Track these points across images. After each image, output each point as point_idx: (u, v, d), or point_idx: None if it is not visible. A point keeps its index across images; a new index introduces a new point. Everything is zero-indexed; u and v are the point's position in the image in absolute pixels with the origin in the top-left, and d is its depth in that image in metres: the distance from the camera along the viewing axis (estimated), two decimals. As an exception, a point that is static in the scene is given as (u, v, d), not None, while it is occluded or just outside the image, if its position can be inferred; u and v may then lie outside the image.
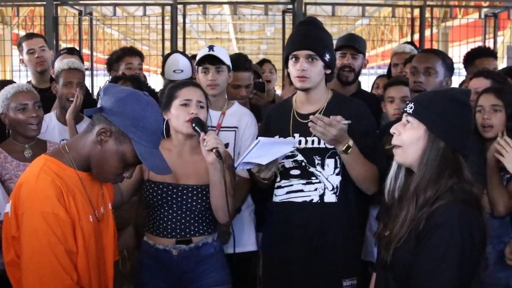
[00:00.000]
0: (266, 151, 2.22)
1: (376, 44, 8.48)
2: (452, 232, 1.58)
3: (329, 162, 2.40)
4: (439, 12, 7.45)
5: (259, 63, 4.47)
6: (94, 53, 6.44)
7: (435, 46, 6.52)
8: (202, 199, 2.34)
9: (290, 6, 5.51)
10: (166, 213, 2.35)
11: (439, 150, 1.68)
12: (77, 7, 5.99)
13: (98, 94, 1.85)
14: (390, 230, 1.74)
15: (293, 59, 2.40)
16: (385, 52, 7.46)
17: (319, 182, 2.40)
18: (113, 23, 7.35)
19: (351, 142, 2.28)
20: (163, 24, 5.88)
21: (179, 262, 2.33)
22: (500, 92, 2.59)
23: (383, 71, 5.15)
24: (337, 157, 2.39)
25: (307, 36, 2.41)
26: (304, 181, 2.41)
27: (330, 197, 2.40)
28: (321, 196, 2.40)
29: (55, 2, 5.42)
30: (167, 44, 5.77)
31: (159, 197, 2.34)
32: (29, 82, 3.74)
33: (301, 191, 2.42)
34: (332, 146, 2.37)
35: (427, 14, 5.98)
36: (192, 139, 2.38)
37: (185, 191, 2.34)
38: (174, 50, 4.89)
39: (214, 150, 2.17)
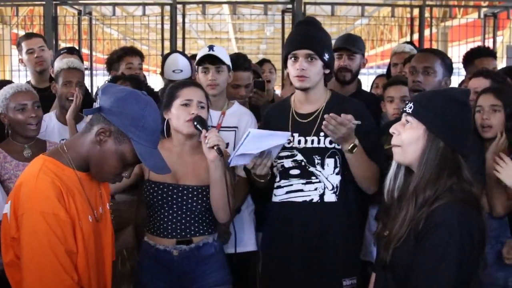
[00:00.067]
0: (258, 143, 2.21)
1: (376, 44, 8.48)
2: (451, 232, 1.59)
3: (329, 162, 2.40)
4: (439, 12, 7.45)
5: (259, 63, 4.47)
6: (94, 53, 6.44)
7: (434, 46, 6.52)
8: (203, 200, 2.34)
9: (289, 6, 5.51)
10: (166, 214, 2.35)
11: (438, 150, 1.69)
12: (76, 6, 5.99)
13: (97, 94, 1.84)
14: (389, 230, 1.74)
15: (292, 58, 2.40)
16: (385, 52, 7.46)
17: (319, 181, 2.40)
18: (113, 23, 7.33)
19: (357, 141, 2.30)
20: (162, 24, 5.88)
21: (179, 262, 2.33)
22: (499, 92, 2.59)
23: (383, 70, 5.15)
24: (336, 157, 2.40)
25: (306, 35, 2.41)
26: (304, 181, 2.41)
27: (330, 197, 2.40)
28: (321, 196, 2.40)
29: (54, 2, 5.42)
30: (167, 43, 5.77)
31: (159, 197, 2.34)
32: (28, 82, 3.74)
33: (301, 190, 2.42)
34: (332, 146, 2.38)
35: (427, 14, 5.98)
36: (192, 140, 2.38)
37: (185, 192, 2.34)
38: (173, 50, 4.89)
39: (215, 148, 2.17)
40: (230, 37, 12.99)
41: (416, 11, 6.03)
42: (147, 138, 1.75)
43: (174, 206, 2.34)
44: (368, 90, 4.20)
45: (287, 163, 2.44)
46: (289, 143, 2.43)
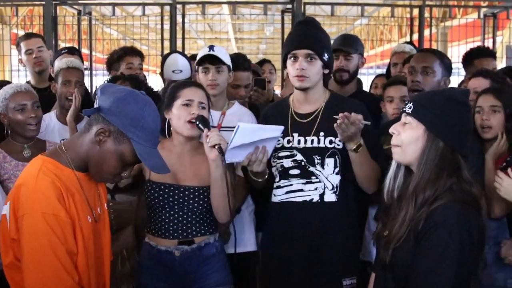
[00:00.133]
0: (249, 136, 2.20)
1: (375, 44, 8.47)
2: (451, 232, 1.59)
3: (329, 162, 2.40)
4: (438, 12, 7.45)
5: (259, 63, 4.47)
6: (93, 53, 6.44)
7: (434, 46, 6.52)
8: (204, 201, 2.34)
9: (289, 6, 5.52)
10: (167, 214, 2.35)
11: (438, 150, 1.69)
12: (76, 6, 5.99)
13: (95, 94, 1.84)
14: (389, 230, 1.74)
15: (292, 58, 2.40)
16: (384, 52, 7.45)
17: (319, 181, 2.40)
18: (112, 23, 7.33)
19: (362, 141, 2.30)
20: (162, 24, 5.88)
21: (181, 263, 2.33)
22: (499, 92, 2.59)
23: (382, 71, 5.15)
24: (336, 157, 2.40)
25: (306, 35, 2.41)
26: (304, 181, 2.41)
27: (330, 197, 2.40)
28: (321, 196, 2.40)
29: (54, 2, 5.42)
30: (166, 43, 5.77)
31: (160, 197, 2.34)
32: (28, 82, 3.74)
33: (301, 190, 2.42)
34: (331, 146, 2.38)
35: (426, 14, 5.99)
36: (193, 141, 2.38)
37: (186, 192, 2.34)
38: (173, 50, 4.89)
39: (216, 147, 2.17)
40: (229, 37, 12.98)
41: (415, 11, 6.03)
42: (146, 138, 1.75)
43: (175, 207, 2.34)
44: (368, 90, 4.19)
45: (287, 163, 2.44)
46: (288, 143, 2.43)
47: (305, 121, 2.45)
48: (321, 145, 2.40)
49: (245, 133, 2.17)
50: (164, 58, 3.61)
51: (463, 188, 1.67)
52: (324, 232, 2.39)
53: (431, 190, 1.66)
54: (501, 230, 2.53)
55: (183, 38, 5.85)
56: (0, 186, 2.50)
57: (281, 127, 2.28)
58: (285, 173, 2.44)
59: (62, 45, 5.98)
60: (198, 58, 2.85)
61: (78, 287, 1.70)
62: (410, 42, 4.65)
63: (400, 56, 3.80)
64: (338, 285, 2.39)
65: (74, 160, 1.76)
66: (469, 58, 3.63)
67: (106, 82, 3.09)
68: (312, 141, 2.41)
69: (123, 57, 3.60)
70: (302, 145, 2.42)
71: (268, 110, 2.66)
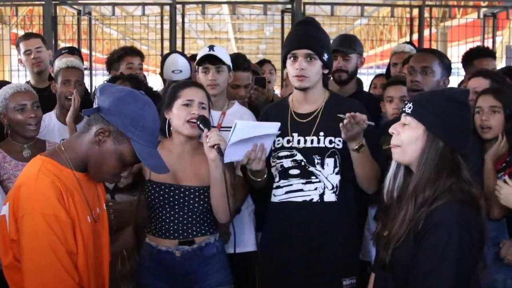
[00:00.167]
0: (247, 133, 2.19)
1: (375, 44, 8.47)
2: (450, 232, 1.59)
3: (329, 161, 2.40)
4: (438, 12, 7.45)
5: (259, 64, 4.46)
6: (93, 53, 6.43)
7: (434, 46, 6.52)
8: (204, 201, 2.34)
9: (289, 6, 5.52)
10: (168, 215, 2.34)
11: (437, 150, 1.69)
12: (76, 6, 5.99)
13: (94, 94, 1.84)
14: (388, 230, 1.74)
15: (292, 58, 2.40)
16: (384, 52, 7.45)
17: (319, 181, 2.40)
18: (112, 23, 7.32)
19: (364, 141, 2.30)
20: (162, 24, 5.88)
21: (182, 263, 2.33)
22: (498, 93, 2.59)
23: (382, 71, 5.15)
24: (336, 157, 2.40)
25: (305, 35, 2.41)
26: (304, 181, 2.41)
27: (330, 196, 2.40)
28: (321, 196, 2.40)
29: (54, 2, 5.42)
30: (166, 43, 5.78)
31: (161, 198, 2.34)
32: (28, 82, 3.74)
33: (301, 190, 2.42)
34: (331, 145, 2.38)
35: (426, 14, 5.99)
36: (192, 140, 2.38)
37: (187, 193, 2.34)
38: (172, 50, 4.89)
39: (215, 147, 2.17)
40: (229, 37, 12.97)
41: (415, 11, 6.04)
42: (146, 138, 1.75)
43: (176, 207, 2.34)
44: (367, 91, 4.19)
45: (287, 163, 2.44)
46: (288, 143, 2.43)
47: (304, 121, 2.45)
48: (321, 145, 2.40)
49: (242, 130, 2.17)
50: (164, 58, 3.61)
51: (463, 188, 1.67)
52: (324, 232, 2.39)
53: (431, 190, 1.66)
54: (500, 231, 2.53)
55: (183, 38, 5.85)
56: (0, 186, 2.51)
57: (278, 124, 2.27)
58: (284, 173, 2.44)
59: (62, 45, 5.98)
60: (198, 58, 2.86)
61: (78, 288, 1.70)
62: (410, 42, 4.65)
63: (400, 56, 3.80)
64: (338, 285, 2.39)
65: (73, 160, 1.76)
66: (469, 58, 3.63)
67: (105, 82, 3.09)
68: (312, 141, 2.41)
69: (123, 57, 3.60)
70: (302, 145, 2.42)
71: (267, 109, 2.66)
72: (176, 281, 2.35)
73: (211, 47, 2.81)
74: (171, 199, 2.33)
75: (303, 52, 2.37)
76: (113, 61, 3.66)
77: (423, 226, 1.63)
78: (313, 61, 2.37)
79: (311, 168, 2.40)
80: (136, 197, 2.62)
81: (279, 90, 5.88)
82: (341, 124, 2.23)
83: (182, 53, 3.77)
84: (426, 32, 6.07)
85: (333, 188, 2.40)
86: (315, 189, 2.40)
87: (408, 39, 5.96)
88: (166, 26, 5.68)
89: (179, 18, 5.73)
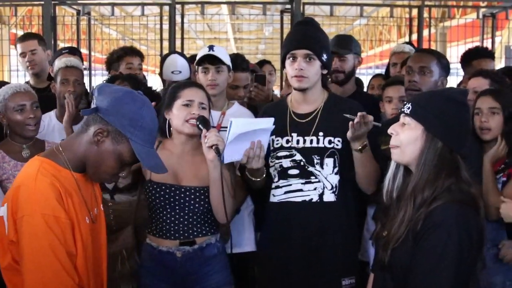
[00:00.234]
0: (243, 130, 2.19)
1: (374, 44, 8.49)
2: (449, 232, 1.59)
3: (328, 161, 2.40)
4: (437, 12, 7.46)
5: (259, 64, 4.45)
6: (92, 53, 6.43)
7: (433, 46, 6.51)
8: (205, 201, 2.34)
9: (288, 6, 5.51)
10: (169, 215, 2.34)
11: (436, 150, 1.69)
12: (75, 6, 5.98)
13: (92, 94, 1.84)
14: (388, 230, 1.74)
15: (291, 58, 2.40)
16: (383, 52, 7.46)
17: (318, 181, 2.40)
18: (111, 23, 7.31)
19: (366, 141, 2.30)
20: (161, 24, 5.88)
21: (183, 263, 2.33)
22: (498, 94, 2.58)
23: (382, 71, 5.15)
24: (335, 157, 2.40)
25: (305, 35, 2.41)
26: (303, 181, 2.41)
27: (329, 197, 2.40)
28: (320, 196, 2.40)
29: (53, 2, 5.41)
30: (165, 44, 5.77)
31: (161, 198, 2.34)
32: (27, 82, 3.73)
33: (300, 190, 2.42)
34: (331, 145, 2.38)
35: (425, 14, 5.98)
36: (193, 140, 2.38)
37: (187, 193, 2.34)
38: (172, 50, 4.88)
39: (213, 147, 2.17)
40: (229, 37, 12.98)
41: (414, 12, 6.04)
42: (144, 138, 1.75)
43: (177, 207, 2.34)
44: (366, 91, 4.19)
45: (286, 163, 2.44)
46: (287, 143, 2.43)
47: (304, 121, 2.45)
48: (320, 145, 2.40)
49: (238, 127, 2.17)
50: (163, 58, 3.60)
51: (462, 188, 1.67)
52: (323, 232, 2.39)
53: (430, 191, 1.66)
54: (499, 232, 2.52)
55: (182, 38, 5.85)
56: (-1, 187, 2.51)
57: (272, 119, 2.27)
58: (284, 173, 2.44)
59: (61, 45, 5.97)
60: (198, 58, 2.86)
61: (78, 289, 1.69)
62: (409, 42, 4.65)
63: (399, 56, 3.81)
64: (337, 285, 2.39)
65: (71, 160, 1.75)
66: (467, 59, 3.63)
67: (104, 82, 3.09)
68: (311, 141, 2.42)
69: (122, 57, 3.60)
70: (301, 145, 2.42)
71: (266, 109, 2.65)
72: (177, 281, 2.34)
73: (211, 47, 2.82)
74: (171, 199, 2.33)
75: (302, 52, 2.37)
76: (112, 61, 3.66)
77: (422, 226, 1.63)
78: (312, 62, 2.38)
79: (311, 168, 2.41)
80: (136, 197, 2.62)
81: (278, 90, 5.88)
82: (350, 123, 2.23)
83: (182, 54, 3.77)
84: (425, 32, 6.06)
85: (332, 188, 2.41)
86: (315, 189, 2.40)
87: (407, 39, 5.97)
88: (165, 26, 5.68)
89: (178, 18, 5.73)
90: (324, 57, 2.39)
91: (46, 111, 3.10)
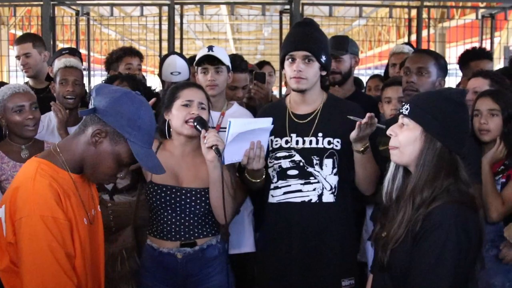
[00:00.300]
0: (242, 129, 2.19)
1: (373, 44, 8.49)
2: (448, 233, 1.59)
3: (327, 162, 2.40)
4: (436, 13, 7.47)
5: (259, 65, 4.45)
6: (91, 53, 6.43)
7: (432, 47, 6.53)
8: (205, 202, 2.34)
9: (287, 7, 5.51)
10: (169, 216, 2.34)
11: (435, 150, 1.69)
12: (74, 7, 5.98)
13: (90, 94, 1.83)
14: (387, 231, 1.74)
15: (290, 59, 2.40)
16: (382, 52, 7.47)
17: (318, 182, 2.40)
18: (110, 23, 7.31)
19: (368, 143, 2.30)
20: (160, 25, 5.87)
21: (183, 265, 2.32)
22: (497, 96, 2.58)
23: (381, 71, 5.15)
24: (335, 157, 2.40)
25: (304, 37, 2.41)
26: (303, 181, 2.41)
27: (328, 197, 2.40)
28: (320, 196, 2.40)
29: (52, 2, 5.41)
30: (164, 44, 5.77)
31: (162, 199, 2.33)
32: (26, 83, 3.73)
33: (300, 191, 2.41)
34: (330, 146, 2.38)
35: (424, 15, 5.98)
36: (193, 141, 2.37)
37: (188, 194, 2.34)
38: (171, 51, 4.87)
39: (213, 148, 2.17)
40: (228, 38, 12.99)
41: (414, 12, 6.04)
42: (142, 139, 1.75)
43: (177, 209, 2.33)
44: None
45: (285, 163, 2.44)
46: (286, 143, 2.43)
47: (303, 122, 2.45)
48: (320, 145, 2.40)
49: (237, 127, 2.17)
50: (163, 59, 3.60)
51: (461, 189, 1.67)
52: (323, 232, 2.39)
53: (429, 191, 1.66)
54: (498, 233, 2.52)
55: (181, 39, 5.86)
56: (-2, 188, 2.50)
57: (270, 118, 2.27)
58: (283, 174, 2.44)
59: (60, 45, 5.98)
60: (197, 58, 2.85)
61: (77, 290, 1.69)
62: (409, 43, 4.65)
63: (398, 57, 3.81)
64: (337, 286, 2.38)
65: (69, 161, 1.75)
66: (465, 60, 3.62)
67: (102, 82, 3.08)
68: (310, 142, 2.42)
69: (122, 58, 3.60)
70: (300, 145, 2.42)
71: (264, 110, 2.65)
72: (178, 283, 2.34)
73: (210, 48, 2.81)
74: (172, 201, 2.33)
75: (301, 53, 2.37)
76: (112, 61, 3.66)
77: (421, 227, 1.63)
78: (311, 63, 2.37)
79: (310, 169, 2.40)
80: (135, 197, 2.62)
81: (277, 91, 5.88)
82: (357, 123, 2.23)
83: (181, 55, 3.77)
84: (424, 33, 6.07)
85: (331, 188, 2.41)
86: (314, 189, 2.40)
87: (406, 40, 5.97)
88: (165, 27, 5.68)
89: (177, 19, 5.73)
90: (323, 58, 2.39)
91: (45, 112, 3.09)
